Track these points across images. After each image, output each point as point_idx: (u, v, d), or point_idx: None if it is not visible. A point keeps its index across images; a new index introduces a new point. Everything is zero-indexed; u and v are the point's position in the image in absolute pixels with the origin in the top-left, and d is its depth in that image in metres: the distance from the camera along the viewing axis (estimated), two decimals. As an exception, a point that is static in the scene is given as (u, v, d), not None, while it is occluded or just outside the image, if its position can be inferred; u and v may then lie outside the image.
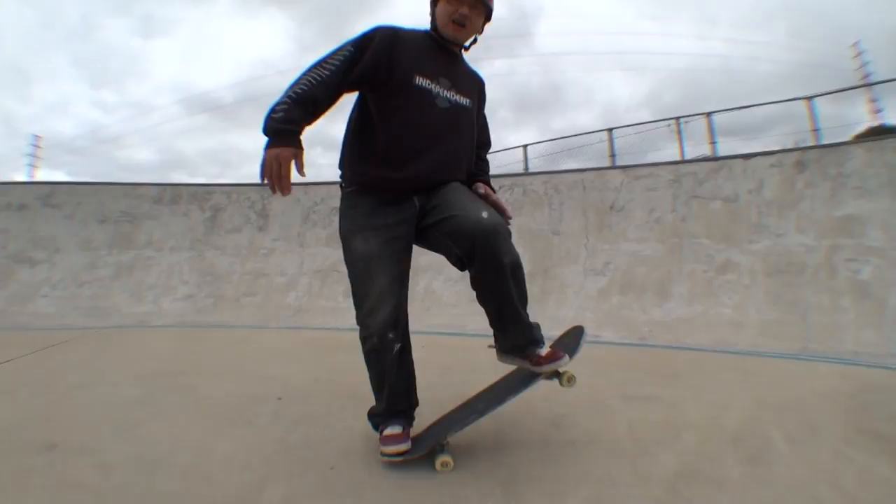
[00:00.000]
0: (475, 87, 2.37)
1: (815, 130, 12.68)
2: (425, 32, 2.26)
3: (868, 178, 4.41)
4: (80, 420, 2.67)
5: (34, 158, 35.34)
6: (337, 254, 5.83)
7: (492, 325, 2.25)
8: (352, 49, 2.02)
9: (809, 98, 13.08)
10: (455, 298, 5.31)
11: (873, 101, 18.88)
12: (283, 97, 1.91)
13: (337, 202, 6.48)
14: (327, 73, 1.96)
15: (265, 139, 1.89)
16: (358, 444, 2.34)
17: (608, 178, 5.65)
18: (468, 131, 2.29)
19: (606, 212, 5.47)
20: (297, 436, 2.45)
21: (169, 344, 4.50)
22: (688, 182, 5.18)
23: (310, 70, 1.98)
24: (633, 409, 2.71)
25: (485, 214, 1.99)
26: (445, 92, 2.15)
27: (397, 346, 2.15)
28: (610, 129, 15.55)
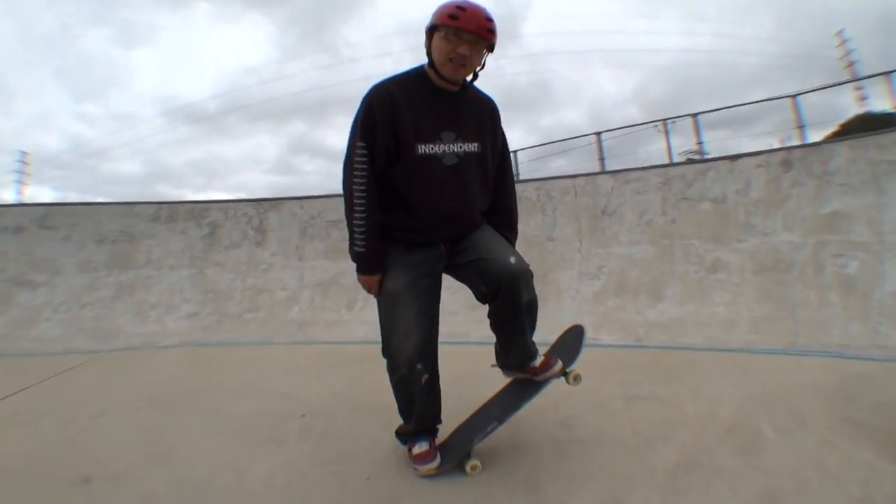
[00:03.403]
0: (484, 118, 2.35)
1: (801, 128, 12.88)
2: (419, 74, 2.24)
3: (853, 175, 4.51)
4: (110, 449, 2.70)
5: (22, 175, 35.14)
6: (336, 266, 5.99)
7: (500, 347, 2.51)
8: (364, 146, 2.13)
9: (794, 96, 13.26)
10: (456, 307, 5.35)
11: (859, 89, 19.25)
12: (357, 226, 2.17)
13: (333, 215, 6.43)
14: (365, 184, 2.14)
15: (354, 264, 2.26)
16: (388, 455, 2.48)
17: (599, 184, 5.74)
18: (480, 176, 2.32)
19: (598, 216, 5.56)
20: (329, 451, 2.56)
21: (181, 365, 4.56)
22: (677, 184, 5.29)
23: (352, 187, 2.16)
24: (634, 408, 2.92)
25: (512, 260, 2.22)
26: (451, 146, 2.20)
27: (425, 377, 2.26)
28: (598, 133, 15.74)
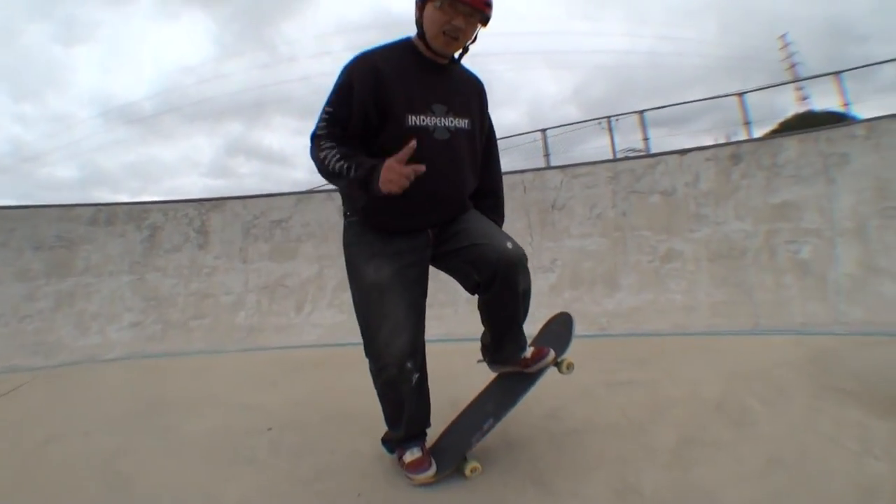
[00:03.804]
0: (473, 96, 2.23)
1: (747, 124, 13.48)
2: (406, 45, 2.10)
3: (802, 167, 4.76)
4: (62, 481, 2.39)
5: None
6: (282, 268, 5.84)
7: (491, 339, 2.36)
8: (331, 112, 1.97)
9: (741, 94, 13.87)
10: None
11: (800, 89, 20.58)
12: (335, 160, 1.90)
13: (277, 215, 6.29)
14: (330, 136, 1.96)
15: (367, 189, 1.89)
16: (374, 466, 2.31)
17: (547, 178, 5.80)
18: (470, 155, 2.19)
19: (548, 210, 5.61)
20: (307, 468, 2.34)
21: (128, 380, 4.24)
22: (626, 178, 5.42)
23: (319, 142, 1.96)
24: (617, 394, 2.94)
25: (509, 245, 2.07)
26: (443, 120, 2.05)
27: (416, 377, 2.10)
28: (544, 130, 15.87)
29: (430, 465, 2.10)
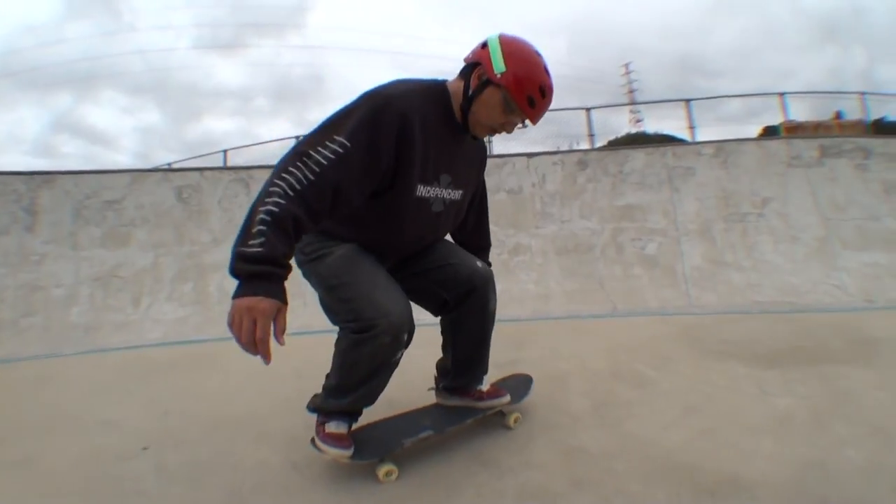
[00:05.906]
0: (475, 166, 2.18)
1: (591, 136, 15.06)
2: (442, 99, 1.88)
3: (648, 176, 5.55)
4: None
5: None
6: (114, 256, 5.34)
7: (453, 363, 2.27)
8: (348, 147, 1.59)
9: (588, 109, 15.48)
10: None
11: (635, 112, 23.20)
12: (258, 211, 1.43)
13: (110, 195, 5.83)
14: (314, 177, 1.53)
15: (235, 280, 1.42)
16: (291, 478, 1.98)
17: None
18: (452, 223, 2.15)
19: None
20: (215, 491, 1.89)
21: None
22: (472, 175, 5.77)
23: (287, 167, 1.53)
24: (508, 372, 2.78)
25: (479, 264, 2.14)
26: (443, 192, 1.95)
27: (401, 354, 1.86)
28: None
29: (348, 445, 1.88)
